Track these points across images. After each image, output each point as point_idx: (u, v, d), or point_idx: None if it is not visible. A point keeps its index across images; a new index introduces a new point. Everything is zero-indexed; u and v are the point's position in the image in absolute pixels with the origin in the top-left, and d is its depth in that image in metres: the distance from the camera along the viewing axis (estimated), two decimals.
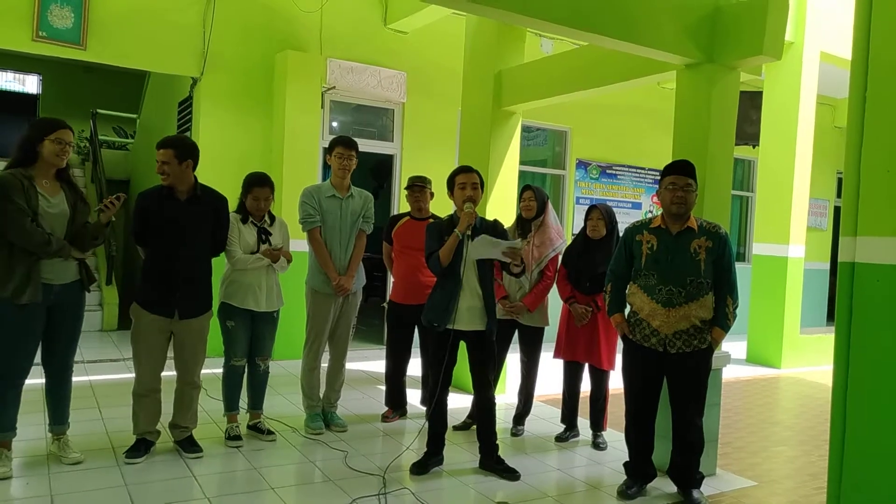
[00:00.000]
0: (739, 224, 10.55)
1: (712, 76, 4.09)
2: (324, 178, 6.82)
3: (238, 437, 4.13)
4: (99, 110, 10.59)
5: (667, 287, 3.47)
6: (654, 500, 3.65)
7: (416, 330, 4.74)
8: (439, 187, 4.85)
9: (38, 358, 3.54)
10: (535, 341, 4.60)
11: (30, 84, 12.99)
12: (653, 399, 3.65)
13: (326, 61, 6.90)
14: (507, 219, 4.81)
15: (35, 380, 3.63)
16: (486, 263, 3.82)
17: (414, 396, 5.09)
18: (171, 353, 3.86)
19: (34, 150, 3.40)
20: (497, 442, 3.95)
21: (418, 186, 4.80)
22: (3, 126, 11.60)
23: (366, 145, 6.84)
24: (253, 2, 6.69)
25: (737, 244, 10.46)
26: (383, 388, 5.05)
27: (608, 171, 9.10)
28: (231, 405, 4.21)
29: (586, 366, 4.49)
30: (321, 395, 4.56)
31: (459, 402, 4.83)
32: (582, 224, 4.52)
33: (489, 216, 4.50)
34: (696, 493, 3.60)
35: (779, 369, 7.55)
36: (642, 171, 9.36)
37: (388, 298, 5.09)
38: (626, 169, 9.26)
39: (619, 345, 3.93)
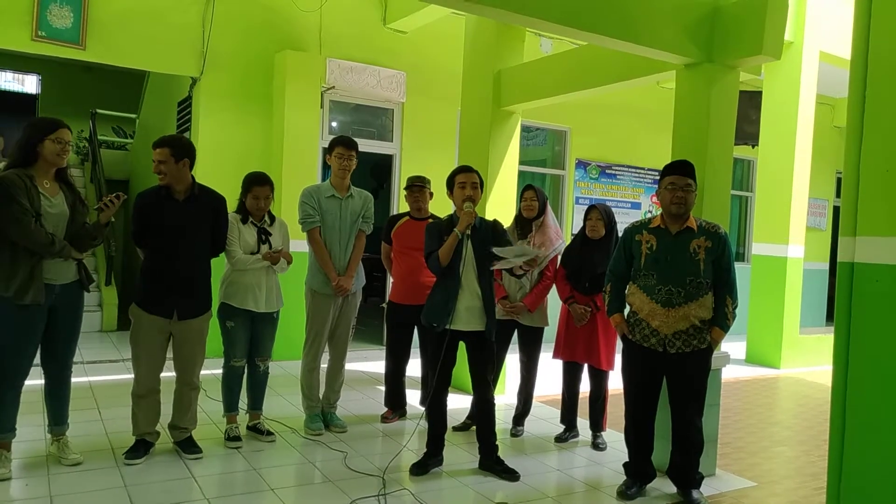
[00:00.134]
0: (739, 224, 10.55)
1: (712, 76, 4.09)
2: (323, 178, 6.82)
3: (237, 438, 4.13)
4: (98, 110, 10.59)
5: (666, 287, 3.47)
6: (653, 501, 3.65)
7: (416, 330, 4.74)
8: (439, 187, 4.85)
9: (37, 359, 3.53)
10: (534, 341, 4.60)
11: (29, 84, 12.97)
12: (652, 399, 3.65)
13: (326, 61, 6.90)
14: (507, 218, 4.80)
15: (34, 381, 3.62)
16: (486, 263, 3.82)
17: (413, 397, 5.08)
18: (170, 354, 3.86)
19: (34, 150, 3.39)
20: (496, 442, 3.95)
21: (417, 186, 4.80)
22: (3, 126, 11.60)
23: (365, 145, 6.84)
24: (252, 1, 6.69)
25: (736, 244, 10.46)
26: (383, 388, 5.05)
27: (608, 171, 9.10)
28: (230, 406, 4.21)
29: (585, 366, 4.49)
30: (321, 396, 4.56)
31: (459, 403, 4.83)
32: (581, 224, 4.52)
33: (488, 216, 4.49)
34: (695, 494, 3.60)
35: (778, 369, 7.56)
36: (642, 171, 9.36)
37: (387, 299, 5.09)
38: (626, 169, 9.26)
39: (619, 345, 3.93)
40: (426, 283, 4.34)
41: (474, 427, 4.21)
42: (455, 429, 4.59)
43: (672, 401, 3.62)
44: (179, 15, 6.38)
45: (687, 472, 3.63)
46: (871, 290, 2.51)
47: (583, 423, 4.62)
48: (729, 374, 5.63)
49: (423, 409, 4.72)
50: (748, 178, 10.52)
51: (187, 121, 6.97)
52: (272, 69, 6.78)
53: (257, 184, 4.12)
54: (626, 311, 3.71)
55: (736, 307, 3.52)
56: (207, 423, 4.40)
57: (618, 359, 3.99)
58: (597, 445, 4.45)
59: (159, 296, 3.73)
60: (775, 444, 4.86)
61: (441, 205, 5.15)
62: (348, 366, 4.78)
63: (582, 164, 8.89)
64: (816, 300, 10.80)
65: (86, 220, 3.62)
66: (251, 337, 4.18)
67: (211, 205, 3.86)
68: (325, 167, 6.94)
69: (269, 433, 4.27)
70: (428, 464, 3.86)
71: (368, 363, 6.67)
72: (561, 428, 4.63)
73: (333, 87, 7.01)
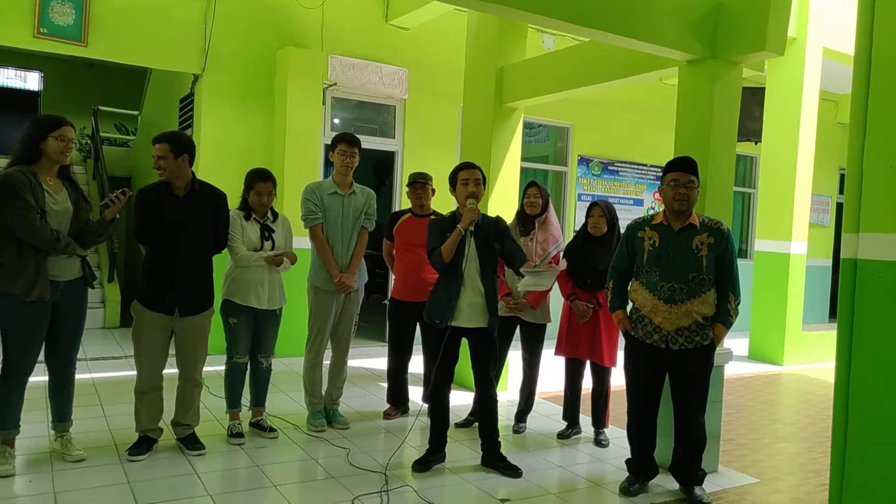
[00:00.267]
0: (741, 220, 10.54)
1: (714, 72, 4.08)
2: (325, 175, 6.82)
3: (240, 435, 4.14)
4: (100, 107, 10.60)
5: (669, 283, 3.46)
6: (656, 497, 3.65)
7: (418, 327, 4.74)
8: (440, 184, 4.85)
9: (41, 356, 3.54)
10: (536, 338, 4.60)
11: (31, 81, 12.97)
12: (655, 396, 3.65)
13: (328, 58, 6.89)
14: (508, 215, 4.80)
15: (38, 377, 3.63)
16: (489, 260, 3.82)
17: (416, 393, 5.09)
18: (172, 351, 3.86)
19: (37, 147, 3.40)
20: (499, 439, 3.95)
21: (420, 183, 4.79)
22: (5, 123, 11.61)
23: (367, 142, 6.81)
24: None
25: (739, 241, 10.45)
26: (385, 385, 5.05)
27: (610, 168, 9.09)
28: (233, 402, 4.22)
29: (588, 363, 4.49)
30: (323, 393, 4.56)
31: (461, 400, 4.83)
32: (583, 221, 4.52)
33: (491, 213, 4.49)
34: (698, 490, 3.60)
35: (781, 366, 7.55)
36: (644, 168, 9.35)
37: (389, 295, 5.09)
38: (628, 165, 9.24)
39: (621, 341, 3.93)
40: (428, 279, 4.33)
41: (476, 424, 4.21)
42: (457, 425, 4.59)
43: (674, 397, 3.62)
44: (181, 11, 6.38)
45: (689, 469, 3.63)
46: (874, 286, 2.50)
47: (585, 420, 4.63)
48: (732, 370, 5.63)
49: (425, 405, 4.72)
50: (751, 174, 10.51)
51: (189, 117, 6.97)
52: (274, 66, 6.78)
53: (260, 180, 4.12)
54: (629, 307, 3.71)
55: (738, 304, 3.52)
56: (210, 419, 4.41)
57: (620, 355, 3.99)
58: (599, 442, 4.45)
59: (161, 292, 3.73)
60: (778, 441, 4.86)
61: (443, 201, 5.15)
62: (351, 362, 4.78)
63: (584, 161, 8.88)
64: (819, 297, 10.79)
65: (89, 217, 3.63)
66: (254, 334, 4.19)
67: (211, 201, 3.86)
68: (327, 164, 6.94)
69: (272, 430, 4.28)
70: (430, 460, 3.87)
71: (371, 360, 6.68)
72: (563, 424, 4.63)
73: (335, 83, 7.00)
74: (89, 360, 5.96)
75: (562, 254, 4.52)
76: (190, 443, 3.90)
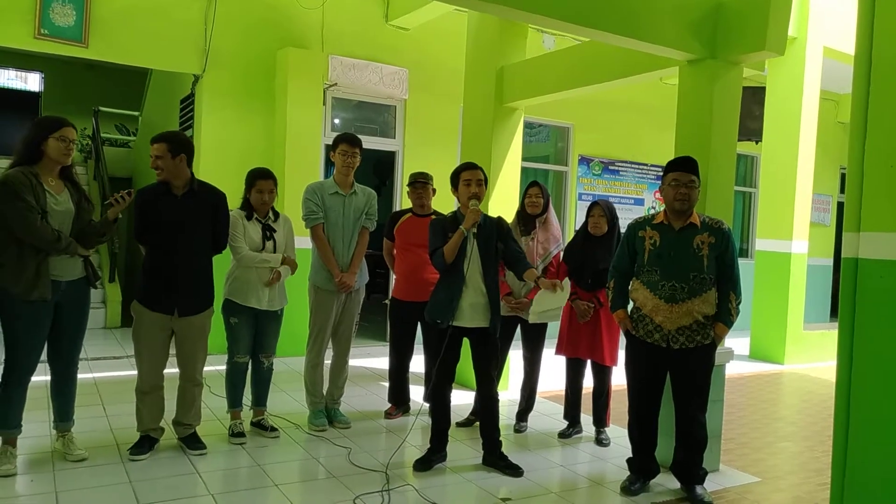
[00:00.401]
0: (742, 220, 10.54)
1: (715, 72, 4.08)
2: (326, 175, 6.83)
3: (241, 434, 4.14)
4: (101, 108, 10.60)
5: (669, 283, 3.47)
6: (657, 497, 3.65)
7: (419, 326, 4.74)
8: (441, 183, 4.85)
9: (43, 356, 3.55)
10: (537, 338, 4.60)
11: (32, 82, 12.97)
12: (656, 395, 3.65)
13: (328, 58, 6.90)
14: (509, 215, 4.80)
15: (40, 377, 3.64)
16: (491, 261, 3.82)
17: (417, 393, 5.09)
18: (173, 351, 3.87)
19: (39, 148, 3.41)
20: (500, 438, 3.95)
21: (420, 183, 4.80)
22: (6, 124, 11.61)
23: (368, 142, 6.81)
24: None
25: (740, 240, 10.45)
26: (386, 384, 5.06)
27: (611, 168, 9.09)
28: (234, 402, 4.22)
29: (589, 362, 4.49)
30: (324, 392, 4.57)
31: (462, 399, 4.84)
32: (584, 221, 4.52)
33: (491, 213, 4.49)
34: (699, 489, 3.60)
35: (782, 365, 7.55)
36: (645, 168, 9.35)
37: (390, 295, 5.09)
38: (629, 165, 9.24)
39: (622, 340, 3.93)
40: (429, 279, 4.34)
41: (478, 423, 4.22)
42: (459, 425, 4.59)
43: (675, 396, 3.62)
44: (182, 12, 6.39)
45: (690, 468, 3.63)
46: (874, 285, 2.51)
47: (586, 419, 4.63)
48: (733, 369, 5.63)
49: (426, 405, 4.73)
50: (752, 174, 10.51)
51: (190, 118, 6.98)
52: (274, 66, 6.78)
53: (261, 178, 4.13)
54: (630, 306, 3.71)
55: (739, 303, 3.53)
56: (211, 419, 4.41)
57: (621, 355, 4.00)
58: (600, 441, 4.46)
59: (160, 292, 3.73)
60: (779, 440, 4.86)
61: (444, 201, 5.16)
62: (352, 362, 4.78)
63: (585, 161, 8.88)
64: (820, 296, 10.78)
65: (91, 218, 3.63)
66: (255, 333, 4.19)
67: (210, 200, 3.86)
68: (328, 164, 6.94)
69: (273, 429, 4.28)
70: (431, 459, 3.87)
71: (372, 359, 6.68)
72: (564, 424, 4.64)
73: (336, 84, 7.01)
74: (91, 359, 5.96)
75: (562, 254, 4.53)
76: (191, 442, 3.91)
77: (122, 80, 11.78)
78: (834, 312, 10.58)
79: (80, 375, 3.80)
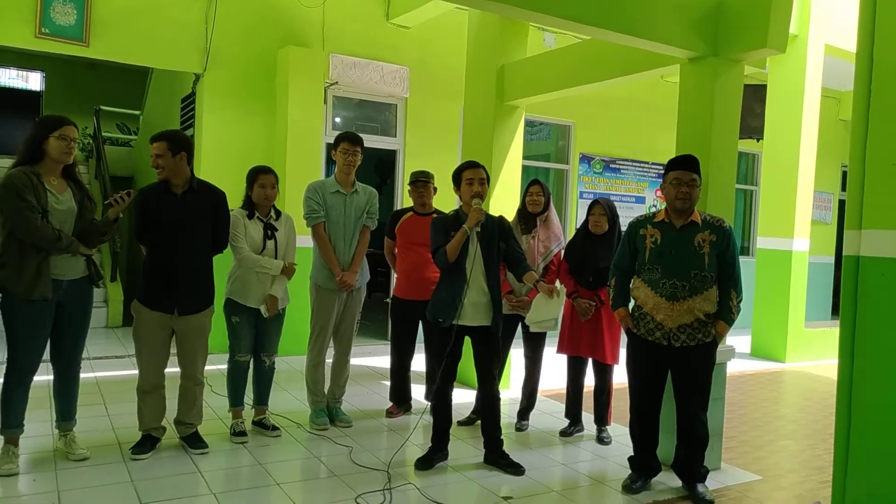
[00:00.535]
0: (744, 218, 10.53)
1: (716, 69, 4.07)
2: (327, 174, 6.82)
3: (243, 433, 4.15)
4: (102, 107, 10.60)
5: (671, 281, 3.47)
6: (658, 495, 3.65)
7: (421, 325, 4.74)
8: (442, 182, 4.85)
9: (45, 355, 3.55)
10: (538, 336, 4.60)
11: (33, 81, 12.97)
12: (657, 393, 3.65)
13: (329, 57, 6.90)
14: (510, 213, 4.80)
15: (42, 377, 3.64)
16: (493, 260, 3.82)
17: (419, 392, 5.09)
18: (174, 350, 3.87)
19: (40, 147, 3.41)
20: (501, 437, 3.95)
21: (422, 182, 4.80)
22: (7, 123, 11.62)
23: (369, 141, 6.81)
24: None
25: (741, 238, 10.44)
26: (388, 383, 5.06)
27: (612, 166, 9.09)
28: (236, 401, 4.22)
29: (590, 360, 4.49)
30: (326, 391, 4.57)
31: (464, 398, 4.84)
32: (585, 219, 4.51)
33: (492, 211, 4.49)
34: (700, 488, 3.60)
35: (783, 363, 7.55)
36: (646, 166, 9.35)
37: (391, 294, 5.09)
38: (630, 163, 9.24)
39: (623, 339, 3.93)
40: (431, 278, 4.34)
41: (479, 421, 4.22)
42: (460, 423, 4.60)
43: (677, 395, 3.62)
44: (182, 11, 6.39)
45: (692, 466, 3.63)
46: (876, 283, 2.50)
47: (587, 418, 4.63)
48: (734, 367, 5.63)
49: (428, 403, 4.72)
50: (753, 171, 10.50)
51: (191, 117, 6.98)
52: (275, 65, 6.78)
53: (263, 172, 4.14)
54: (631, 305, 3.71)
55: (740, 301, 3.52)
56: (213, 418, 4.41)
57: (622, 353, 4.00)
58: (601, 439, 4.46)
59: (160, 291, 3.74)
60: (780, 438, 4.86)
61: (445, 200, 5.16)
62: (353, 361, 4.79)
63: (586, 159, 8.87)
64: (822, 294, 10.78)
65: (94, 217, 3.64)
66: (257, 333, 4.19)
67: (210, 199, 3.86)
68: (329, 163, 6.95)
69: (275, 428, 4.29)
70: (433, 458, 3.87)
71: (373, 358, 6.68)
72: (566, 422, 4.64)
73: (336, 82, 7.01)
74: (92, 359, 5.97)
75: (563, 252, 4.53)
76: (193, 441, 3.91)
77: (123, 79, 11.78)
78: (835, 310, 10.57)
79: (82, 375, 3.80)
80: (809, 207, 7.72)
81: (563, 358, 4.58)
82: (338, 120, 7.38)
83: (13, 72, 12.80)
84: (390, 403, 4.93)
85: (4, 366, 3.49)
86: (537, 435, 4.58)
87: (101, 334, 7.24)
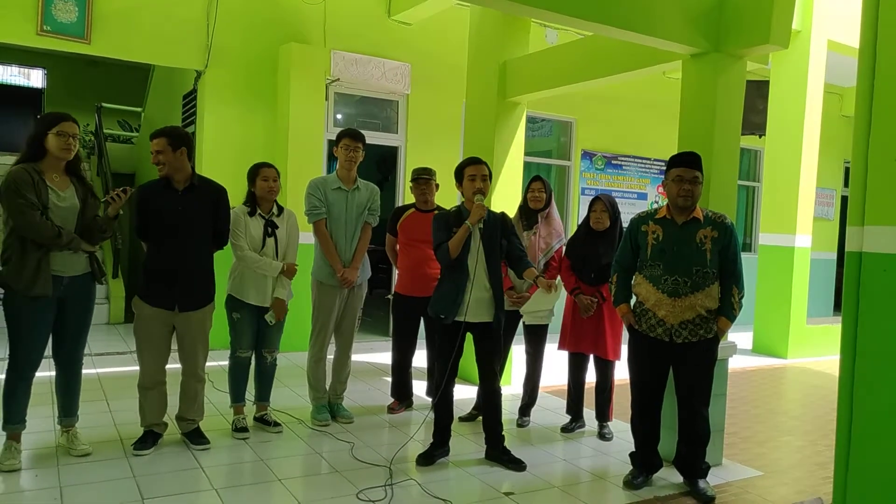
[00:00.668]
0: (746, 214, 10.51)
1: (718, 65, 4.06)
2: (328, 171, 6.83)
3: (245, 429, 4.15)
4: (104, 104, 10.61)
5: (672, 277, 3.46)
6: (660, 490, 3.66)
7: (422, 321, 4.75)
8: (443, 179, 4.85)
9: (47, 351, 3.55)
10: (539, 332, 4.60)
11: (35, 78, 12.99)
12: (658, 389, 3.65)
13: (330, 53, 6.89)
14: (512, 210, 4.80)
15: (44, 373, 3.65)
16: (495, 256, 3.82)
17: (420, 388, 5.10)
18: (175, 346, 3.87)
19: (41, 145, 3.41)
20: (503, 433, 3.96)
21: (424, 179, 4.79)
22: (9, 120, 11.63)
23: (370, 137, 6.80)
24: None
25: (743, 234, 10.43)
26: (389, 379, 5.06)
27: (613, 162, 9.08)
28: (237, 397, 4.23)
29: (591, 356, 4.49)
30: (327, 387, 4.58)
31: (465, 394, 4.84)
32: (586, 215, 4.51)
33: (494, 207, 4.49)
34: (702, 483, 3.60)
35: (785, 359, 7.54)
36: (648, 162, 9.33)
37: (393, 290, 5.10)
38: (632, 159, 9.22)
39: (625, 335, 3.93)
40: (433, 274, 4.34)
41: (481, 417, 4.22)
42: (461, 419, 4.60)
43: (678, 391, 3.62)
44: (184, 8, 6.38)
45: (693, 462, 3.63)
46: (878, 279, 2.50)
47: (589, 414, 4.63)
48: (736, 363, 5.63)
49: (429, 399, 4.73)
50: (755, 168, 10.48)
51: (192, 114, 6.98)
52: (277, 62, 6.78)
53: (264, 166, 4.15)
54: (633, 301, 3.70)
55: (742, 297, 3.52)
56: (215, 414, 4.42)
57: (624, 349, 3.99)
58: (603, 435, 4.46)
59: (160, 288, 3.74)
60: (782, 434, 4.86)
61: (446, 196, 5.15)
62: (355, 357, 4.79)
63: (588, 155, 8.86)
64: (824, 290, 10.77)
65: (97, 213, 3.64)
66: (258, 329, 4.20)
67: (210, 195, 3.86)
68: (331, 160, 6.94)
69: (276, 424, 4.29)
70: (434, 454, 3.88)
71: (375, 354, 6.69)
72: (567, 418, 4.64)
73: (338, 79, 7.00)
74: (94, 355, 5.98)
75: (564, 248, 4.53)
76: (195, 437, 3.92)
77: (124, 76, 11.79)
78: (837, 306, 10.56)
79: (83, 371, 3.81)
80: (812, 204, 7.70)
81: (565, 354, 4.58)
82: (339, 117, 7.37)
83: (15, 69, 12.82)
84: (392, 399, 4.94)
85: (6, 362, 3.50)
86: (539, 431, 4.58)
87: (102, 331, 7.26)
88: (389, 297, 5.81)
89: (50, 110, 3.97)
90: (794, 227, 7.54)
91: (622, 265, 3.72)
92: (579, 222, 4.68)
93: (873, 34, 2.56)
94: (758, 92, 7.51)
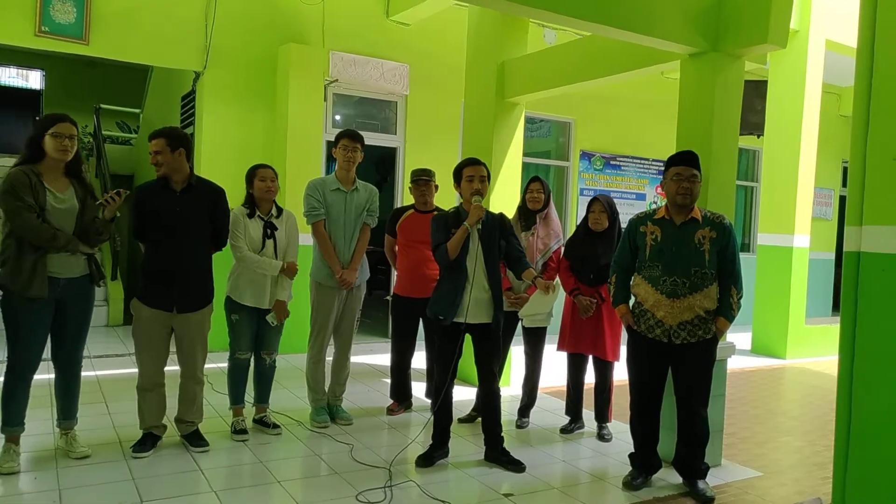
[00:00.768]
0: (744, 214, 10.52)
1: (716, 65, 4.06)
2: (327, 172, 6.82)
3: (244, 431, 4.15)
4: (102, 105, 10.59)
5: (671, 278, 3.46)
6: (659, 491, 3.66)
7: (421, 323, 4.75)
8: (442, 179, 4.85)
9: (46, 353, 3.55)
10: (538, 333, 4.59)
11: (33, 79, 12.97)
12: (658, 390, 3.65)
13: (329, 54, 6.89)
14: (510, 210, 4.80)
15: (42, 375, 3.64)
16: (493, 257, 3.82)
17: (419, 389, 5.10)
18: (174, 348, 3.87)
19: (39, 146, 3.41)
20: (502, 434, 3.95)
21: (423, 180, 4.79)
22: (8, 122, 11.61)
23: (369, 138, 6.79)
24: None
25: (741, 234, 10.43)
26: (388, 381, 5.06)
27: (612, 162, 9.08)
28: (236, 399, 4.22)
29: (591, 357, 4.49)
30: (326, 389, 4.57)
31: (464, 395, 4.84)
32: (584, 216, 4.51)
33: (492, 208, 4.49)
34: (701, 484, 3.60)
35: (784, 360, 7.54)
36: (646, 162, 9.33)
37: (391, 291, 5.09)
38: (630, 160, 9.23)
39: (624, 336, 3.93)
40: (432, 275, 4.34)
41: (480, 419, 4.22)
42: (461, 420, 4.60)
43: (677, 391, 3.62)
44: (182, 9, 6.38)
45: (692, 463, 3.63)
46: (877, 279, 2.50)
47: (588, 415, 4.63)
48: (734, 364, 5.63)
49: (428, 401, 4.73)
50: (753, 168, 10.48)
51: (191, 115, 6.97)
52: (275, 63, 6.77)
53: (262, 166, 4.15)
54: (632, 302, 3.70)
55: (741, 297, 3.52)
56: (214, 416, 4.42)
57: (623, 350, 3.99)
58: (602, 436, 4.46)
59: (159, 289, 3.73)
60: (781, 434, 4.86)
61: (445, 197, 5.15)
62: (354, 358, 4.79)
63: (586, 156, 8.86)
64: (822, 290, 10.77)
65: (96, 216, 3.63)
66: (257, 331, 4.19)
67: (209, 196, 3.86)
68: (329, 160, 6.95)
69: (275, 426, 4.29)
70: (434, 455, 3.87)
71: (374, 356, 6.68)
72: (566, 419, 4.64)
73: (337, 80, 7.00)
74: (93, 357, 5.97)
75: (563, 249, 4.53)
76: (194, 439, 3.91)
77: (123, 77, 11.77)
78: (836, 306, 10.57)
79: (82, 373, 3.80)
80: (810, 204, 7.71)
81: (564, 355, 4.58)
82: (338, 117, 7.37)
83: (13, 70, 12.81)
84: (391, 401, 4.93)
85: (5, 364, 3.49)
86: (538, 432, 4.58)
87: (101, 333, 7.25)
88: (388, 298, 5.80)
89: (48, 112, 3.97)
90: (793, 227, 7.54)
91: (621, 266, 3.72)
92: (578, 223, 4.67)
93: (871, 34, 2.56)
94: (756, 92, 7.52)
